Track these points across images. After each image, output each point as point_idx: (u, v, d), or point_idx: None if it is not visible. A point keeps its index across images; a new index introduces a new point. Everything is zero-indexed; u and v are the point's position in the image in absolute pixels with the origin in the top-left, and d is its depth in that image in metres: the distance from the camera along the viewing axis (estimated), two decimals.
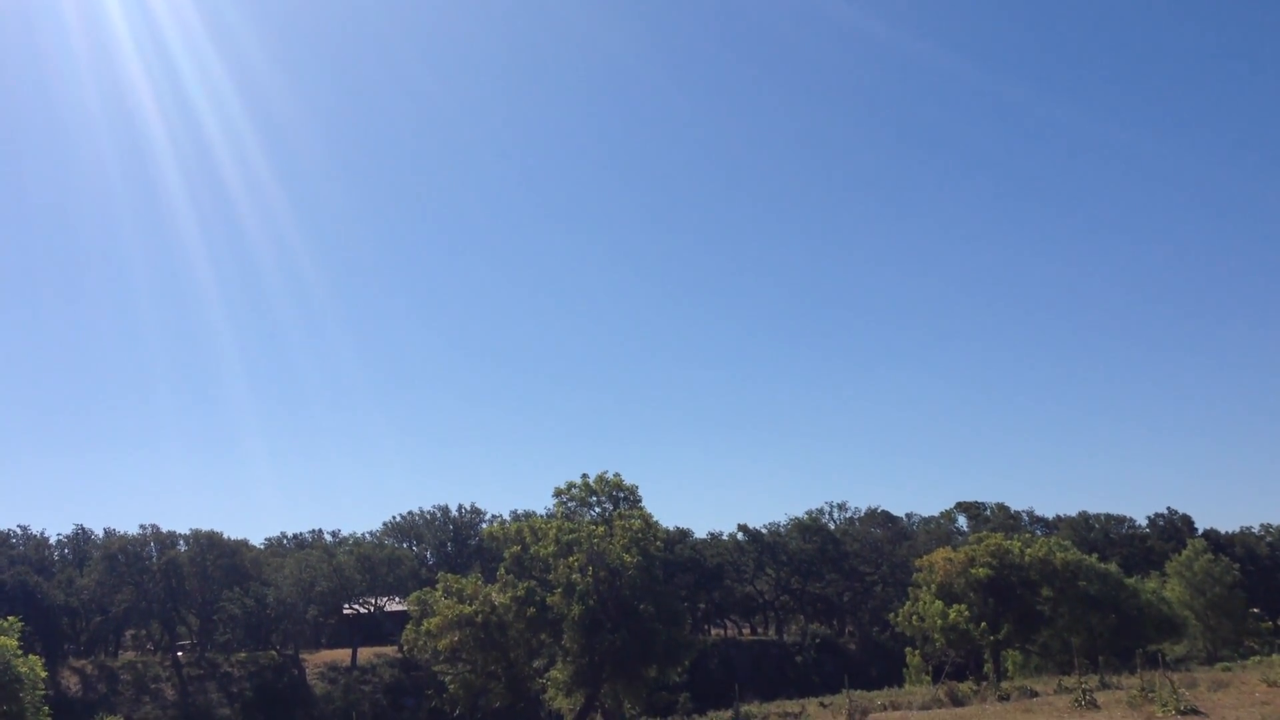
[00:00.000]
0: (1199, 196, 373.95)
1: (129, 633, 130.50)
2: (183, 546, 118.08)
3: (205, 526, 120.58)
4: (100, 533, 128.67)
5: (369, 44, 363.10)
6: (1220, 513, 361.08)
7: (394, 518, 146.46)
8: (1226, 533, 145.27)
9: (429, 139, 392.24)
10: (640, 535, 53.24)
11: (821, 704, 44.78)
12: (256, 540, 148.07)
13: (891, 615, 73.85)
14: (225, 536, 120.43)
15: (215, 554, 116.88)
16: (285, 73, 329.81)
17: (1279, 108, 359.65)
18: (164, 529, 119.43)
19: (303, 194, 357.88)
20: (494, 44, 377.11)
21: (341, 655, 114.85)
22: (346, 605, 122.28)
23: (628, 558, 51.57)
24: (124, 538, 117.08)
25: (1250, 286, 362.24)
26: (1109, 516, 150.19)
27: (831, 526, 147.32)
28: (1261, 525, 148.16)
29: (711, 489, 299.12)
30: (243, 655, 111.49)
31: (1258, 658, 62.48)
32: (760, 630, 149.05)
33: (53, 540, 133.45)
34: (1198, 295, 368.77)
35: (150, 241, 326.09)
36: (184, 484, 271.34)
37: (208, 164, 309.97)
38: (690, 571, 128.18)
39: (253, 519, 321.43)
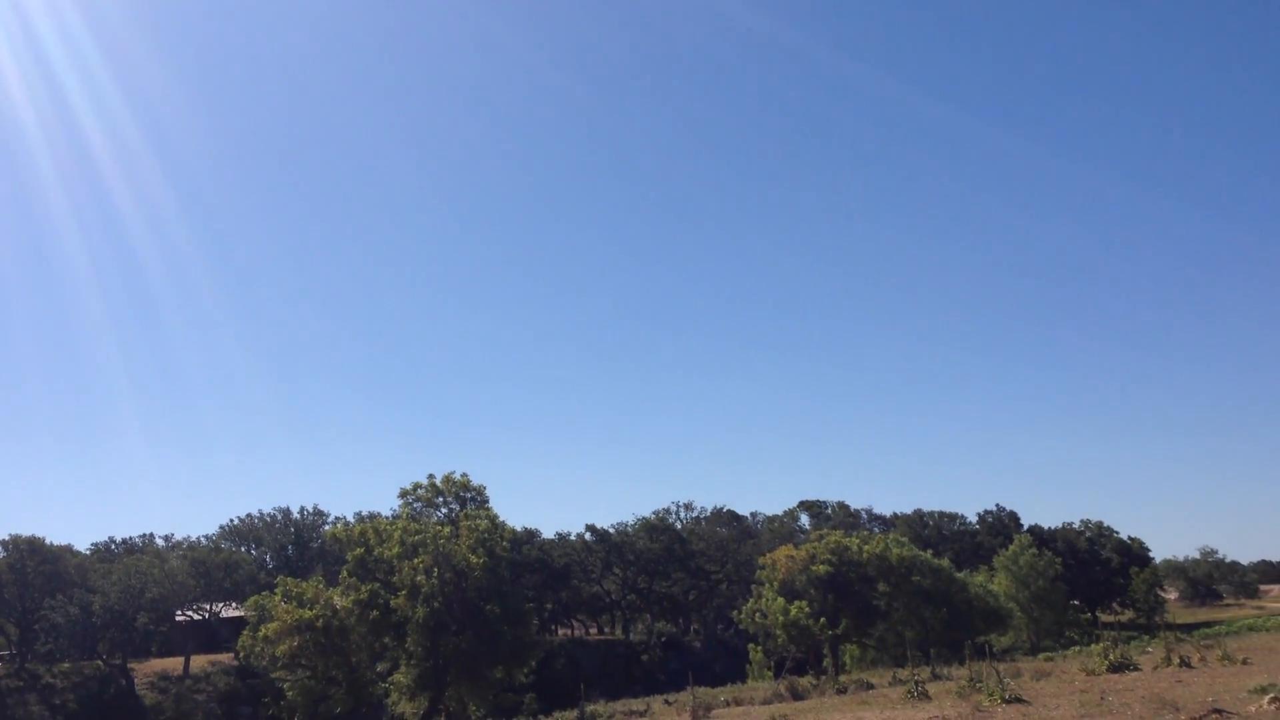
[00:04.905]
0: (1032, 199, 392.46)
1: None
2: (0, 553, 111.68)
3: (25, 532, 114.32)
4: None
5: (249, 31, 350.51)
6: (1044, 509, 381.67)
7: (231, 520, 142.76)
8: (1050, 528, 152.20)
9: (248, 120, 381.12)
10: (487, 536, 52.71)
11: (666, 701, 45.03)
12: (82, 546, 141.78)
13: (735, 613, 74.96)
14: (48, 542, 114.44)
15: (36, 560, 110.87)
16: (160, 51, 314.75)
17: (1147, 120, 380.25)
18: None
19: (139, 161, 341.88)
20: (369, 43, 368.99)
21: (173, 664, 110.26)
22: (179, 612, 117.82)
23: (474, 558, 51.00)
24: None
25: (1072, 290, 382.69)
26: (942, 514, 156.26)
27: (678, 526, 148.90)
28: (1082, 521, 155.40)
29: (560, 490, 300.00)
30: (66, 666, 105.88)
31: (1077, 648, 65.41)
32: (607, 630, 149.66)
33: None
34: (1025, 301, 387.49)
35: None
36: (1, 487, 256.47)
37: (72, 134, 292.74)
38: (537, 572, 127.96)
39: (78, 524, 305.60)
